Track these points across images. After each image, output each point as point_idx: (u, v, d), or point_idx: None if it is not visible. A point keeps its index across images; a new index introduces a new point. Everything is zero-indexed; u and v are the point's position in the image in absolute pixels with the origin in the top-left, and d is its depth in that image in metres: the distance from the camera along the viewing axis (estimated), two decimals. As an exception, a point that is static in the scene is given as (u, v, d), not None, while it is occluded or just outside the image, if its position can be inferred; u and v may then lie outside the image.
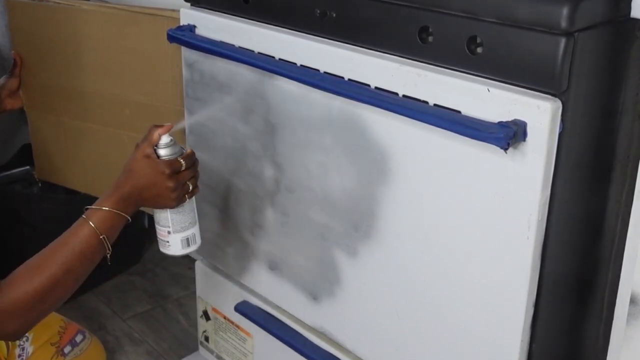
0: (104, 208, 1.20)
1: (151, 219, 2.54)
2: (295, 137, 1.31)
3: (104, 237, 1.21)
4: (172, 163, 1.23)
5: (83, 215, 1.21)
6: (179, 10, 1.49)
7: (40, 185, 2.19)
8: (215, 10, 1.43)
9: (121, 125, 1.88)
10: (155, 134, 1.24)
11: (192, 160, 1.26)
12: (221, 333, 1.70)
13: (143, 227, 2.35)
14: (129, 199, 1.22)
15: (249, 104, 1.38)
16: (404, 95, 1.10)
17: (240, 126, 1.42)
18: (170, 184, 1.22)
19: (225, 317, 1.66)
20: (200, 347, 1.80)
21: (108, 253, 1.24)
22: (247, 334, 1.61)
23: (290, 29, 1.29)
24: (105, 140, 1.94)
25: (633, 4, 1.02)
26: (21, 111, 2.22)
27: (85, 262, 1.22)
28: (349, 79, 1.18)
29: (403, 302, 1.23)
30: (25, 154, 2.23)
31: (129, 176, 1.23)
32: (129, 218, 1.24)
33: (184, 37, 1.44)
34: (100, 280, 2.25)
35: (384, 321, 1.27)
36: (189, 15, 1.46)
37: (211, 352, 1.76)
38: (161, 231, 1.31)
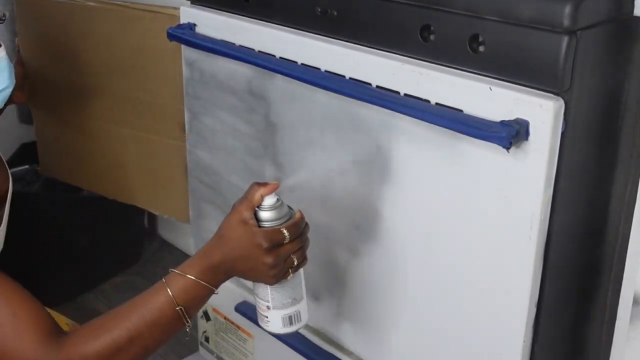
0: (187, 275, 1.04)
1: (151, 218, 2.54)
2: (296, 136, 1.31)
3: (181, 309, 1.03)
4: (272, 235, 1.04)
5: (163, 279, 1.06)
6: (179, 8, 1.49)
7: (40, 184, 2.19)
8: (216, 9, 1.43)
9: (123, 122, 1.89)
10: (257, 195, 1.06)
11: (299, 230, 1.07)
12: (221, 333, 1.70)
13: (143, 226, 2.35)
14: (219, 269, 1.06)
15: (249, 103, 1.38)
16: (405, 94, 1.10)
17: (240, 125, 1.42)
18: (269, 259, 1.04)
19: (225, 318, 1.66)
20: (200, 347, 1.80)
21: (188, 327, 1.06)
22: (248, 334, 1.61)
23: (291, 27, 1.29)
24: (108, 137, 1.94)
25: (636, 3, 1.02)
26: (21, 109, 2.23)
27: (157, 333, 1.04)
28: (350, 78, 1.18)
29: (405, 302, 1.23)
30: (25, 153, 2.23)
31: (221, 243, 1.06)
32: (215, 291, 1.07)
33: (184, 35, 1.44)
34: (100, 280, 2.25)
35: (385, 321, 1.27)
36: (189, 14, 1.46)
37: (211, 352, 1.76)
38: (260, 304, 1.13)
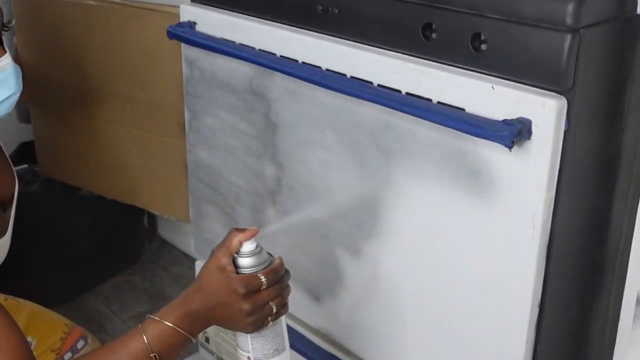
0: (164, 322, 1.02)
1: (151, 218, 2.54)
2: (297, 135, 1.31)
3: (155, 356, 1.01)
4: (249, 281, 1.02)
5: (139, 325, 1.03)
6: (179, 6, 1.49)
7: (39, 183, 2.19)
8: (216, 7, 1.43)
9: (122, 122, 1.89)
10: (235, 241, 1.04)
11: (277, 276, 1.04)
12: (222, 334, 1.70)
13: (143, 226, 2.35)
14: (197, 316, 1.03)
15: (249, 102, 1.38)
16: (407, 93, 1.10)
17: (240, 124, 1.42)
18: (246, 306, 1.02)
19: (226, 318, 1.66)
20: (200, 348, 1.80)
21: None
22: (248, 334, 1.61)
23: (291, 25, 1.29)
24: (108, 137, 1.95)
25: (639, 1, 1.02)
26: (20, 109, 2.23)
27: None
28: (352, 77, 1.18)
29: (407, 302, 1.23)
30: (24, 152, 2.23)
31: (199, 290, 1.04)
32: (192, 339, 1.04)
33: (184, 33, 1.44)
34: (100, 280, 2.26)
35: (387, 322, 1.27)
36: (189, 12, 1.46)
37: (212, 353, 1.76)
38: (241, 355, 1.09)
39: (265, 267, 1.04)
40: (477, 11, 1.01)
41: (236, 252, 1.04)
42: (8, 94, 1.26)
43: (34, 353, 1.50)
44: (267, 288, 1.03)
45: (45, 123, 2.08)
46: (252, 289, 1.02)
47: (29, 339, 1.45)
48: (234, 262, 1.04)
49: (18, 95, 1.28)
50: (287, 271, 1.07)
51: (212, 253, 1.06)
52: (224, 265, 1.03)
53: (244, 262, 1.03)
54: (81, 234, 2.16)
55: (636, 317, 1.15)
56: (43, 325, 1.51)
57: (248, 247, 1.04)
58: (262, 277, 1.03)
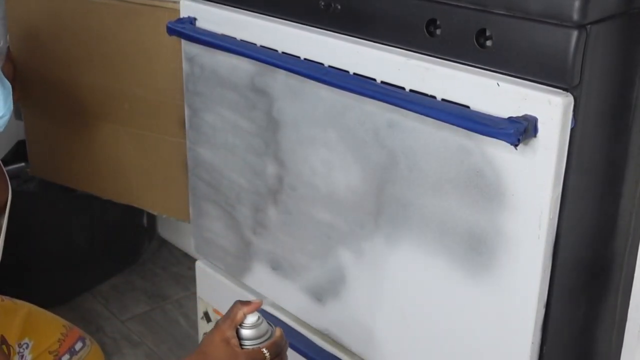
0: None
1: (151, 217, 2.54)
2: (299, 133, 1.32)
3: None
4: (254, 355, 1.09)
5: None
6: (179, 2, 1.49)
7: (36, 182, 2.20)
8: (217, 2, 1.43)
9: (120, 120, 1.89)
10: (240, 313, 1.10)
11: (279, 348, 1.12)
12: (222, 335, 1.70)
13: (142, 226, 2.36)
14: None
15: (250, 99, 1.39)
16: (411, 90, 1.11)
17: (241, 122, 1.43)
18: None
19: (226, 319, 1.67)
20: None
21: None
22: (249, 336, 1.61)
23: (293, 21, 1.29)
24: (103, 136, 1.94)
25: (647, -4, 1.02)
26: (16, 106, 2.22)
27: None
28: (354, 73, 1.18)
29: (410, 302, 1.23)
30: (20, 151, 2.23)
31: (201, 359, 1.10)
32: None
33: (184, 29, 1.44)
34: (98, 280, 2.26)
35: (390, 323, 1.28)
36: (189, 7, 1.46)
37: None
38: None
39: (267, 339, 1.11)
40: (482, 7, 1.01)
41: (239, 324, 1.10)
42: None
43: (32, 355, 1.51)
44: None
45: (37, 122, 2.08)
46: None
47: (26, 340, 1.46)
48: (237, 333, 1.10)
49: (8, 117, 1.28)
50: (286, 342, 1.14)
51: (217, 325, 1.11)
52: (229, 337, 1.09)
53: (247, 333, 1.10)
54: (79, 234, 2.16)
55: (644, 318, 1.15)
56: (40, 327, 1.51)
57: (251, 319, 1.10)
58: (265, 351, 1.09)
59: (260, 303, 1.12)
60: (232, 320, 1.10)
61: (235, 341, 1.09)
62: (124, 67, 1.81)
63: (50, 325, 1.54)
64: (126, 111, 1.87)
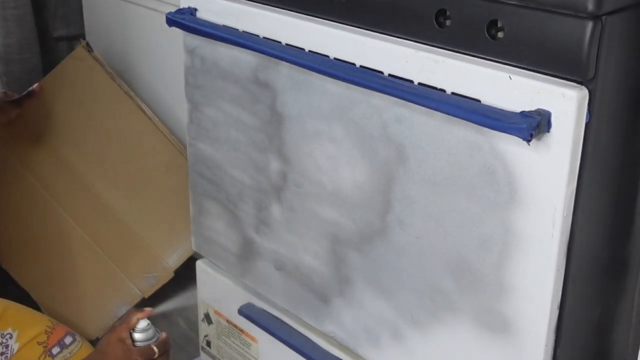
0: None
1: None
2: (303, 127, 1.32)
3: None
4: (145, 351, 1.35)
5: None
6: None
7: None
8: (218, -8, 1.44)
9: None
10: (134, 318, 1.37)
11: (166, 347, 1.39)
12: (224, 338, 1.71)
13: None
14: None
15: (253, 93, 1.39)
16: (419, 83, 1.11)
17: (244, 116, 1.43)
18: None
19: (228, 321, 1.67)
20: (201, 352, 1.82)
21: None
22: (252, 338, 1.62)
23: (298, 12, 1.29)
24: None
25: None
26: None
27: None
28: (361, 66, 1.18)
29: (419, 303, 1.24)
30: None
31: (100, 358, 1.36)
32: None
33: (184, 20, 1.44)
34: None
35: (398, 325, 1.28)
36: (190, -2, 1.47)
37: (213, 357, 1.77)
38: None
39: (155, 340, 1.38)
40: (494, -3, 1.02)
41: (132, 328, 1.37)
42: None
43: (18, 344, 1.56)
44: (158, 356, 1.37)
45: None
46: (147, 358, 1.35)
47: (9, 330, 1.52)
48: (130, 336, 1.36)
49: None
50: (171, 344, 1.42)
51: (113, 328, 1.38)
52: (124, 337, 1.35)
53: (139, 336, 1.37)
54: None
55: (662, 320, 1.15)
56: (22, 318, 1.60)
57: (142, 324, 1.38)
58: (155, 348, 1.37)
59: (151, 311, 1.40)
60: (127, 324, 1.36)
61: (129, 341, 1.35)
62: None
63: (34, 317, 1.65)
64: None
